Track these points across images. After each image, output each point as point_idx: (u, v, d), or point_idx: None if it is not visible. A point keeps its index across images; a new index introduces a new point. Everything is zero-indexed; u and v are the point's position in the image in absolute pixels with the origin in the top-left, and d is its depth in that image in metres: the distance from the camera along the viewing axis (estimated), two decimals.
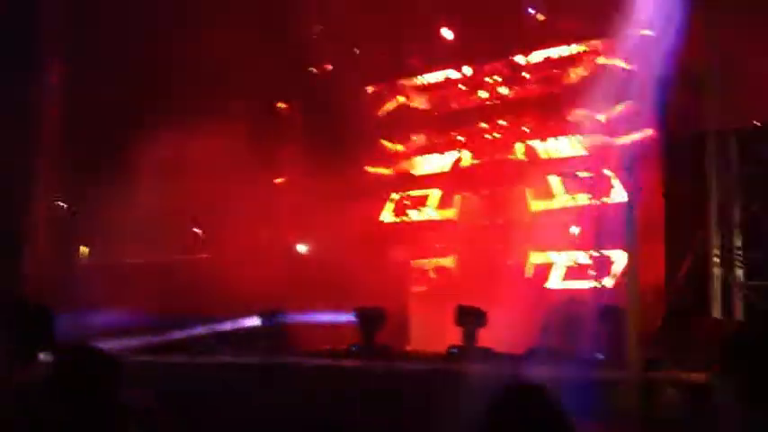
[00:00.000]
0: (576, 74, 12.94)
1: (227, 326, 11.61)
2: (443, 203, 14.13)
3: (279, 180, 14.97)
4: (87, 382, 3.70)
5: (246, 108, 13.40)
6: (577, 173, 10.29)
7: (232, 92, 13.03)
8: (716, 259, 7.89)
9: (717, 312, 7.61)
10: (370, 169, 14.78)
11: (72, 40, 13.63)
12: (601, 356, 8.66)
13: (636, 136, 11.63)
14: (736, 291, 7.69)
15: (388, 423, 8.55)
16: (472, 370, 8.75)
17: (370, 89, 14.98)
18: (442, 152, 14.36)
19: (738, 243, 7.89)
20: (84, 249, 15.24)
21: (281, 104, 15.34)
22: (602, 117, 12.43)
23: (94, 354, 3.86)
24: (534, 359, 9.50)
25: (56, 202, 14.56)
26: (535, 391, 2.54)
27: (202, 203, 12.94)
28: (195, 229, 14.43)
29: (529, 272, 12.83)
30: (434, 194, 14.29)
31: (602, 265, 9.55)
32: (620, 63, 12.12)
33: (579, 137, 12.75)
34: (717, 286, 7.71)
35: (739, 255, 7.80)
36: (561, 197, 12.57)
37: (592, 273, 11.13)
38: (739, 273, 7.78)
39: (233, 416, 9.03)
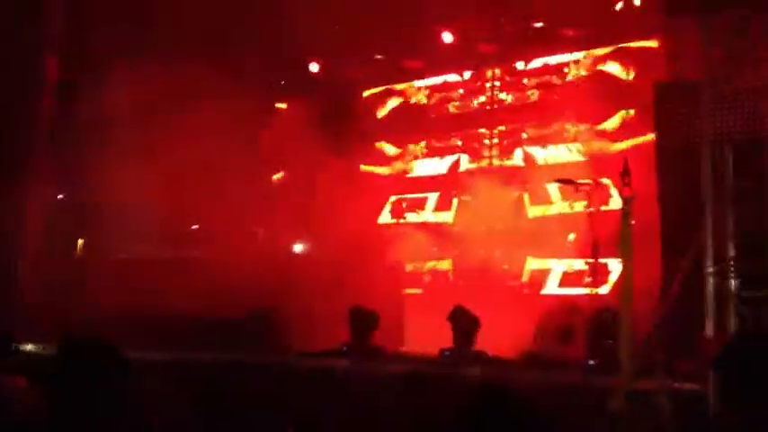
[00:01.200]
0: (575, 81, 12.98)
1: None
2: (440, 206, 14.17)
3: (277, 176, 15.01)
4: (92, 373, 3.67)
5: (247, 106, 13.41)
6: (575, 180, 10.30)
7: (232, 89, 13.04)
8: (710, 269, 7.91)
9: (710, 322, 7.65)
10: (366, 167, 14.82)
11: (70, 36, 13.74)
12: (593, 363, 8.71)
13: (633, 143, 11.70)
14: (729, 301, 7.73)
15: (376, 423, 8.58)
16: (463, 373, 8.80)
17: (369, 90, 15.02)
18: (440, 156, 14.40)
19: (732, 253, 7.93)
20: (80, 242, 15.26)
21: (280, 104, 15.37)
22: (600, 124, 12.49)
23: (101, 346, 3.83)
24: (528, 364, 9.55)
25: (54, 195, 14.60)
26: (501, 393, 2.55)
27: (199, 200, 12.94)
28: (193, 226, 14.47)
29: (525, 277, 12.87)
30: (432, 197, 14.33)
31: (598, 273, 9.58)
32: (619, 70, 12.20)
33: (577, 144, 12.80)
34: (711, 296, 7.75)
35: (732, 265, 7.84)
36: (559, 204, 12.60)
37: (587, 280, 11.17)
38: (732, 283, 7.83)
39: (221, 414, 9.05)
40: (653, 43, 11.45)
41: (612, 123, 12.26)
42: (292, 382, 9.64)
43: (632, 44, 12.08)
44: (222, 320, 11.69)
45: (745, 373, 2.43)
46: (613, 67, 12.46)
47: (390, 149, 14.90)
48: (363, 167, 14.84)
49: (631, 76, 12.09)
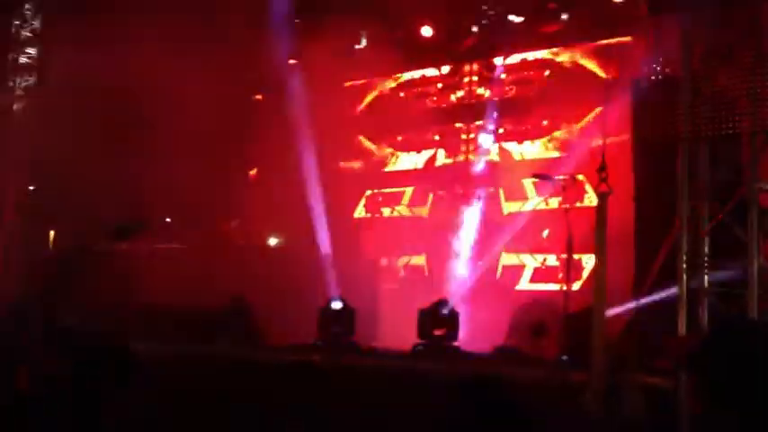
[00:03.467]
0: (552, 77, 12.96)
1: None
2: (416, 201, 14.11)
3: (252, 172, 14.89)
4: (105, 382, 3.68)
5: (223, 97, 13.29)
6: (551, 176, 10.30)
7: (208, 81, 12.90)
8: (684, 265, 7.92)
9: (683, 318, 7.65)
10: (344, 164, 14.76)
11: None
12: (566, 358, 8.70)
13: (609, 141, 11.69)
14: (702, 297, 7.74)
15: (354, 417, 8.53)
16: (437, 368, 8.77)
17: (348, 84, 14.92)
18: (417, 150, 14.34)
19: (706, 249, 7.94)
20: (51, 234, 15.09)
21: (258, 96, 15.23)
22: (577, 121, 12.49)
23: (113, 353, 3.83)
24: (501, 358, 9.54)
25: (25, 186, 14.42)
26: (491, 385, 2.51)
27: (175, 192, 12.80)
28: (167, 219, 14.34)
29: (499, 272, 12.86)
30: (408, 192, 14.27)
31: (572, 269, 9.58)
32: (598, 67, 12.20)
33: (554, 140, 12.80)
34: (684, 292, 7.75)
35: (706, 261, 7.85)
36: (534, 200, 12.60)
37: (560, 275, 11.19)
38: (705, 279, 7.84)
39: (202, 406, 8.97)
40: (631, 40, 11.47)
41: (590, 120, 12.26)
42: (270, 376, 9.57)
43: (611, 41, 12.08)
44: (196, 313, 11.60)
45: (720, 374, 2.40)
46: (592, 64, 12.46)
47: (367, 143, 14.83)
48: (342, 164, 14.74)
49: (610, 73, 12.10)
